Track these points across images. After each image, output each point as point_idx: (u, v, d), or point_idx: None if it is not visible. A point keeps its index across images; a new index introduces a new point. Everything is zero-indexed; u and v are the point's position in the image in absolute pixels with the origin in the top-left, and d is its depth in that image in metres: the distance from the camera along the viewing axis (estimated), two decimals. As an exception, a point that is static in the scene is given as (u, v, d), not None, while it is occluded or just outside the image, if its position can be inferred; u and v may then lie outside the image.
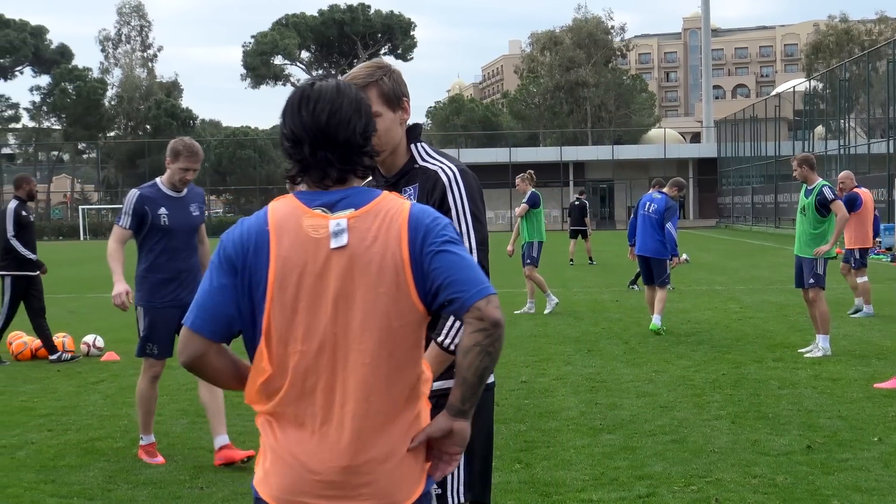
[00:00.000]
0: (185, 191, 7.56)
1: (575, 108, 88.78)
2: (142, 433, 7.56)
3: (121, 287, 7.57)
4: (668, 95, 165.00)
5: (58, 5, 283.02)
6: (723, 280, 22.09)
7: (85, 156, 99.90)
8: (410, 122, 3.67)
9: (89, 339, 13.16)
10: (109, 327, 15.87)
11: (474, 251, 3.46)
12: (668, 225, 14.01)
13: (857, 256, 15.32)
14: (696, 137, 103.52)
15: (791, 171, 11.93)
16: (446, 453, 2.78)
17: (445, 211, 3.44)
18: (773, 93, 71.27)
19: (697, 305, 16.86)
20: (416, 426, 2.77)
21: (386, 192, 2.82)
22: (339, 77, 2.95)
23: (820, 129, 53.34)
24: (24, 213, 12.80)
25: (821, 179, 11.87)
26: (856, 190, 15.39)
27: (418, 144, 3.66)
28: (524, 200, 16.62)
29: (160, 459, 7.44)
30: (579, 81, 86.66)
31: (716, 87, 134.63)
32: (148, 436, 7.52)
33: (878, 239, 15.08)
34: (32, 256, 12.74)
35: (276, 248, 2.71)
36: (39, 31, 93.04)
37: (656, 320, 13.62)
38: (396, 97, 3.55)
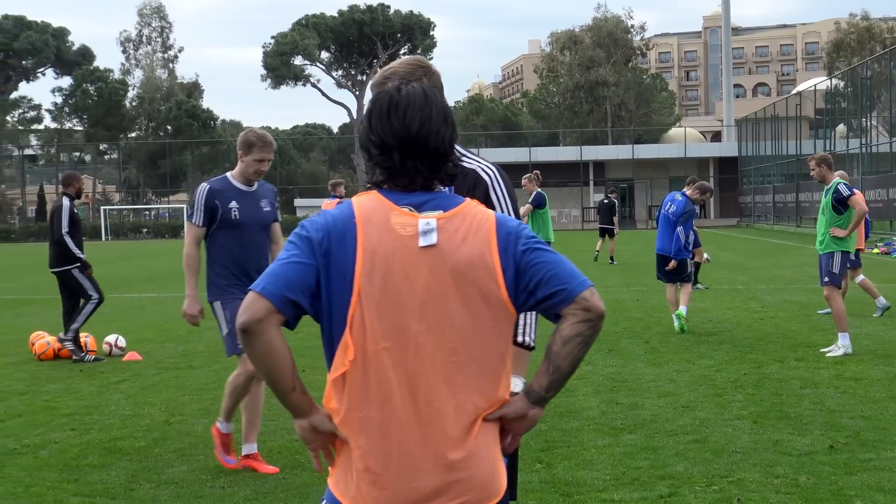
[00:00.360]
0: (256, 185, 7.33)
1: (595, 108, 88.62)
2: (222, 417, 7.29)
3: (195, 307, 7.33)
4: (688, 94, 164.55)
5: (79, 7, 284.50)
6: (744, 279, 22.01)
7: (106, 157, 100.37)
8: None
9: (111, 338, 13.22)
10: (132, 327, 15.95)
11: None
12: (679, 228, 14.01)
13: (853, 257, 15.33)
14: (716, 136, 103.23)
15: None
16: (511, 434, 2.81)
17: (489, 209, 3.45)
18: (794, 91, 70.99)
19: (719, 305, 16.81)
20: (496, 427, 2.76)
21: (469, 199, 2.83)
22: (423, 82, 2.93)
23: (841, 128, 53.07)
24: (75, 210, 12.98)
25: (836, 177, 11.87)
26: None
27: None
28: (529, 200, 16.61)
29: (233, 462, 7.22)
30: (599, 81, 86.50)
31: (736, 85, 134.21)
32: (227, 424, 7.30)
33: (868, 239, 15.13)
34: (82, 255, 12.89)
35: (364, 240, 2.69)
36: (61, 33, 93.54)
37: (683, 310, 13.80)
38: None
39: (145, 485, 6.88)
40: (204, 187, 7.13)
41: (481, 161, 3.60)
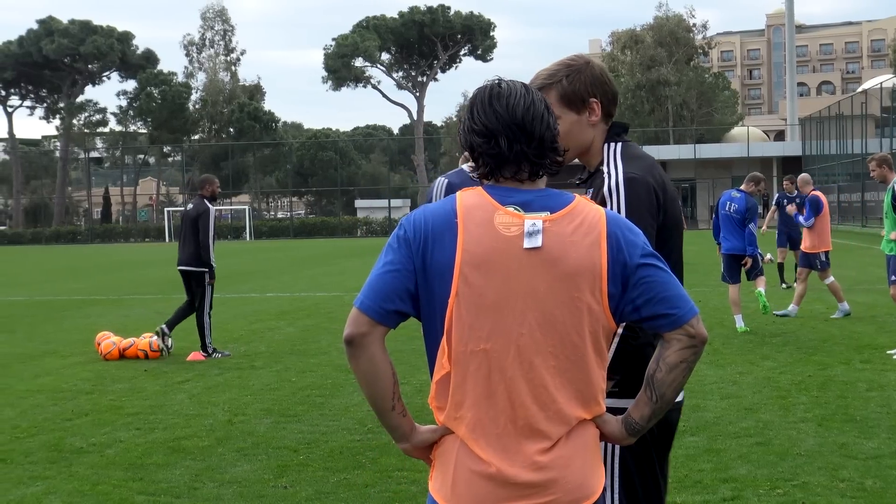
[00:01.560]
0: None
1: (656, 107, 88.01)
2: None
3: None
4: (751, 93, 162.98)
5: (144, 11, 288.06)
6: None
7: (170, 159, 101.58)
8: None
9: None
10: (193, 328, 16.09)
11: None
12: (751, 224, 14.04)
13: (823, 259, 15.68)
14: (780, 135, 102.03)
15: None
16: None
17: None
18: (860, 89, 69.96)
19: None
20: (590, 423, 2.74)
21: (580, 197, 2.77)
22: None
23: (908, 126, 52.23)
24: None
25: (895, 177, 11.79)
26: (815, 193, 15.98)
27: (612, 145, 3.46)
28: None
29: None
30: (661, 80, 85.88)
31: (800, 84, 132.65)
32: None
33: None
34: (214, 264, 13.32)
35: (464, 240, 2.64)
36: (126, 37, 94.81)
37: (762, 290, 14.38)
38: (580, 99, 3.41)
39: (208, 484, 6.95)
40: (441, 181, 7.10)
41: (619, 167, 3.38)
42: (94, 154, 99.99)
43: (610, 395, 3.19)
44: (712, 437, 7.78)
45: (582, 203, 2.73)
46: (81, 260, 45.32)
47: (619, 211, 3.26)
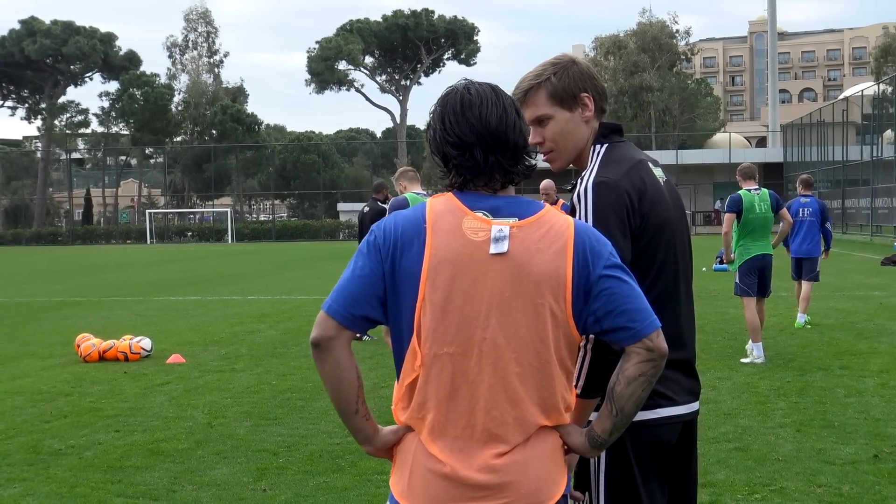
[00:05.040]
0: None
1: (639, 113, 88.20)
2: None
3: None
4: (733, 100, 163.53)
5: (127, 13, 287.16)
6: (788, 286, 21.78)
7: (152, 160, 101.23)
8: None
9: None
10: (175, 330, 16.07)
11: None
12: (828, 224, 15.01)
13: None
14: (761, 142, 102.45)
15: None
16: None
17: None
18: (841, 97, 70.31)
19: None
20: (553, 432, 2.75)
21: (549, 206, 2.77)
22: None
23: (889, 134, 52.43)
24: None
25: None
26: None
27: (596, 147, 3.35)
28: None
29: None
30: (643, 86, 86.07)
31: (782, 91, 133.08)
32: None
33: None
34: None
35: (432, 245, 2.66)
36: (109, 38, 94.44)
37: (801, 319, 14.80)
38: (570, 94, 3.29)
39: (187, 486, 6.94)
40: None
41: (592, 171, 3.26)
42: (75, 155, 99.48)
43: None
44: (691, 442, 7.79)
45: (551, 212, 2.75)
46: (62, 261, 45.13)
47: (585, 215, 3.18)
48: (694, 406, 3.38)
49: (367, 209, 14.58)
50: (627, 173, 3.23)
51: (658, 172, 3.39)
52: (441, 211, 2.71)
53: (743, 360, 11.74)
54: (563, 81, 3.28)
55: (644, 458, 3.22)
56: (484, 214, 2.69)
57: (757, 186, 12.16)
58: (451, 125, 2.74)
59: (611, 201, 3.17)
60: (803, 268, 14.82)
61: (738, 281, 12.08)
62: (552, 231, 2.69)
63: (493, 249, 2.65)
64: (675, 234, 3.33)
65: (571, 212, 3.24)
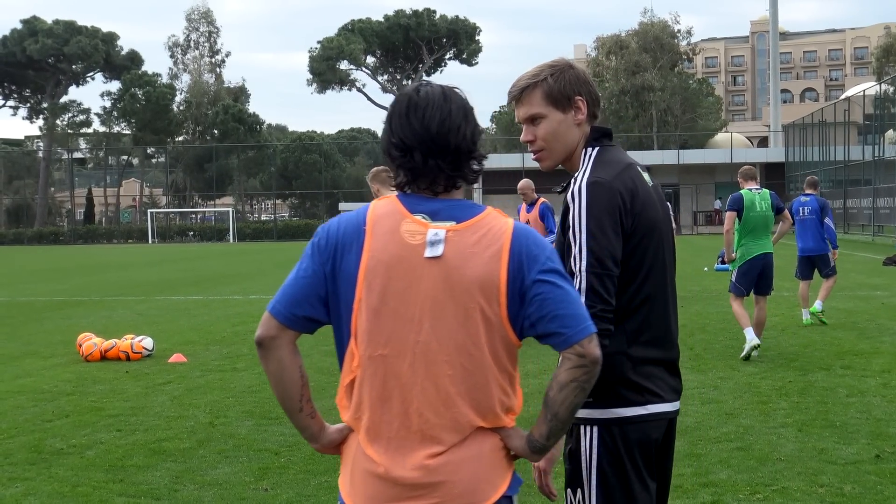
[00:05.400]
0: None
1: (640, 113, 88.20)
2: None
3: None
4: (734, 99, 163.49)
5: (129, 13, 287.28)
6: (790, 286, 21.78)
7: (154, 160, 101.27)
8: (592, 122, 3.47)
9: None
10: (176, 329, 16.08)
11: (582, 274, 3.16)
12: (827, 220, 15.09)
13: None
14: (763, 142, 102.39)
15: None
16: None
17: (566, 228, 3.26)
18: (843, 97, 70.29)
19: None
20: (494, 434, 2.75)
21: (490, 209, 2.78)
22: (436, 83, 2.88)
23: (891, 134, 52.43)
24: None
25: None
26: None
27: (588, 149, 3.40)
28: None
29: None
30: (645, 86, 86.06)
31: (784, 90, 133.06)
32: None
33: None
34: None
35: (370, 248, 2.69)
36: (110, 38, 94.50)
37: (818, 305, 14.98)
38: (565, 96, 3.34)
39: (189, 486, 6.94)
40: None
41: (586, 172, 3.31)
42: (77, 155, 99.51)
43: (585, 404, 3.13)
44: (693, 442, 7.80)
45: (491, 216, 2.75)
46: (64, 261, 45.15)
47: (579, 214, 3.21)
48: (677, 404, 3.42)
49: None
50: (620, 175, 3.29)
51: (646, 177, 3.45)
52: (382, 214, 2.74)
53: (746, 349, 11.75)
54: (560, 83, 3.34)
55: (634, 453, 3.27)
56: (423, 217, 2.71)
57: (758, 186, 12.24)
58: (396, 127, 2.77)
59: (605, 201, 3.22)
60: (818, 266, 15.11)
61: (733, 279, 12.26)
62: (489, 235, 2.70)
63: (427, 253, 2.67)
64: (662, 236, 3.38)
65: (565, 211, 3.27)
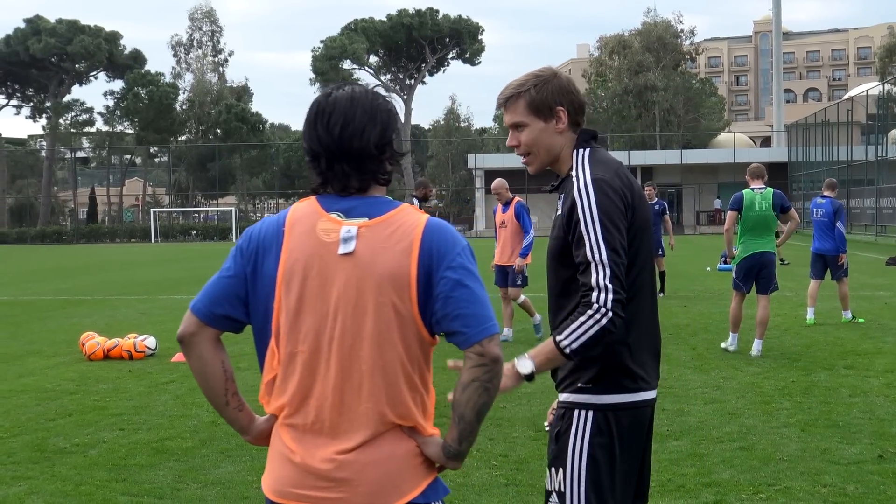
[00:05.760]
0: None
1: (643, 112, 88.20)
2: None
3: None
4: (737, 99, 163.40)
5: (132, 12, 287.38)
6: (793, 286, 21.79)
7: (157, 159, 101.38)
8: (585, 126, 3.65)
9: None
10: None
11: (606, 264, 3.26)
12: (839, 224, 15.19)
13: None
14: (766, 142, 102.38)
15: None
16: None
17: (575, 222, 3.37)
18: (846, 96, 70.23)
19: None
20: (409, 440, 2.79)
21: (405, 205, 2.84)
22: (360, 84, 2.94)
23: (894, 133, 52.40)
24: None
25: None
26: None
27: (580, 151, 3.55)
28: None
29: None
30: (648, 85, 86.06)
31: (787, 90, 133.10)
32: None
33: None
34: None
35: (288, 248, 2.77)
36: (113, 37, 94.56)
37: (847, 315, 15.33)
38: (547, 107, 3.52)
39: (192, 485, 6.95)
40: None
41: (586, 170, 3.47)
42: (80, 154, 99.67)
43: (583, 390, 3.40)
44: (696, 442, 7.80)
45: (405, 211, 2.81)
46: (67, 260, 45.19)
47: (589, 211, 3.34)
48: (656, 392, 3.60)
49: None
50: (618, 173, 3.49)
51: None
52: (300, 215, 2.82)
53: (722, 345, 12.62)
54: (542, 94, 3.52)
55: (625, 437, 3.44)
56: (337, 215, 2.78)
57: (762, 186, 12.30)
58: (305, 133, 2.87)
59: (612, 197, 3.39)
60: (830, 267, 15.29)
61: (734, 276, 12.45)
62: (400, 230, 2.75)
63: (341, 250, 2.74)
64: (650, 232, 3.59)
65: (572, 207, 3.39)
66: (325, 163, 2.81)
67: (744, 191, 12.30)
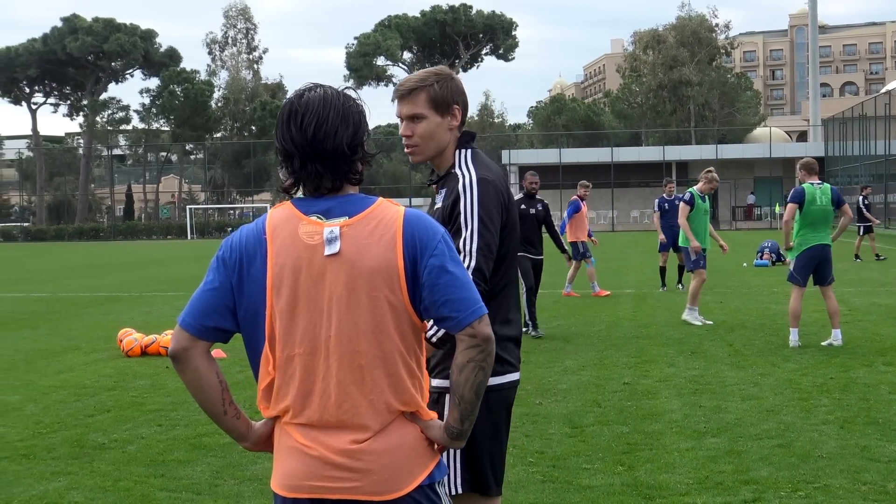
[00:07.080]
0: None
1: (678, 107, 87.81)
2: None
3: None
4: (773, 94, 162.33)
5: (167, 10, 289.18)
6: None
7: (192, 156, 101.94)
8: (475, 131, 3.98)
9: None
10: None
11: (473, 255, 3.63)
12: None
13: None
14: (802, 136, 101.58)
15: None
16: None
17: (456, 214, 3.67)
18: (884, 90, 69.54)
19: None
20: (414, 426, 2.87)
21: (381, 200, 2.90)
22: (331, 86, 2.96)
23: (932, 128, 51.89)
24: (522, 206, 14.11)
25: None
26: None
27: (463, 151, 3.84)
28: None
29: None
30: (683, 80, 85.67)
31: (823, 84, 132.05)
32: None
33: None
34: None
35: (273, 255, 2.81)
36: (149, 35, 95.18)
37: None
38: (446, 103, 3.75)
39: (229, 481, 6.98)
40: None
41: (472, 169, 3.78)
42: (116, 151, 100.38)
43: (445, 376, 3.58)
44: (733, 439, 7.76)
45: (383, 206, 2.87)
46: (104, 257, 45.53)
47: (471, 207, 3.66)
48: (519, 374, 3.93)
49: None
50: (497, 175, 3.83)
51: None
52: (279, 220, 2.86)
53: (791, 344, 12.39)
54: (444, 90, 3.76)
55: (495, 417, 3.77)
56: (317, 217, 2.83)
57: (819, 181, 12.52)
58: (279, 134, 2.91)
59: (493, 196, 3.74)
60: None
61: (792, 269, 12.46)
62: (381, 224, 2.82)
63: (326, 251, 2.79)
64: (517, 233, 3.89)
65: (455, 200, 3.67)
66: (298, 162, 2.85)
67: (804, 185, 12.42)
